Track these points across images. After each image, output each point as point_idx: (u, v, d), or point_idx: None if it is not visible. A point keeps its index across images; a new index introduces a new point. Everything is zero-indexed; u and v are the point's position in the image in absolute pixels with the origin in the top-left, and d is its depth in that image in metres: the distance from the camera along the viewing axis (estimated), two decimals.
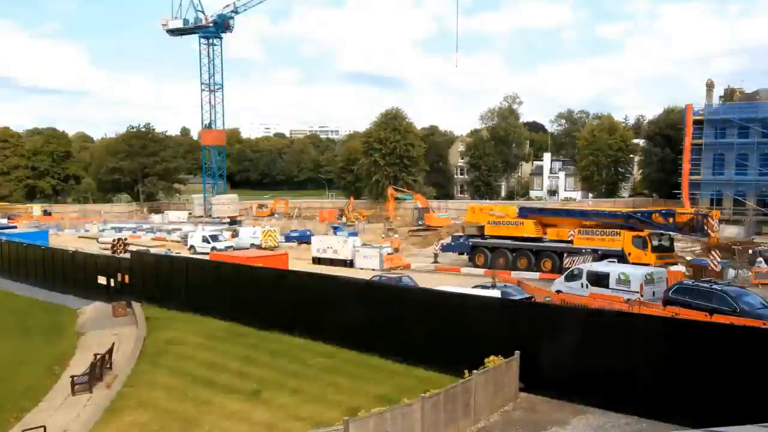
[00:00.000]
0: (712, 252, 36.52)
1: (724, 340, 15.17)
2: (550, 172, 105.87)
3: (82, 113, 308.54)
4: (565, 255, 39.35)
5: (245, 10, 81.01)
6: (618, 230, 37.70)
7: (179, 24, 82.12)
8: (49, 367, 23.06)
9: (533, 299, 26.56)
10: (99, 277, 33.98)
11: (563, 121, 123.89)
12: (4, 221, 75.58)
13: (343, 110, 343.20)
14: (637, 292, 26.50)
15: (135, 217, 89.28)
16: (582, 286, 29.14)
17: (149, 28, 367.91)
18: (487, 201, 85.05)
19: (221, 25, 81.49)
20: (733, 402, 14.34)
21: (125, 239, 55.96)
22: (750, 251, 41.25)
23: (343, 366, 20.94)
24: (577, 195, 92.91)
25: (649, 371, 15.93)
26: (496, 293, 23.76)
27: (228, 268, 30.15)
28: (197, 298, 28.93)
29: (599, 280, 28.79)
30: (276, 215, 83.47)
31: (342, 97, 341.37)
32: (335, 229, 67.79)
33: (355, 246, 48.13)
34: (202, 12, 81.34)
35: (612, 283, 28.13)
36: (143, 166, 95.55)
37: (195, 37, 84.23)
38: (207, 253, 47.89)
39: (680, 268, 36.39)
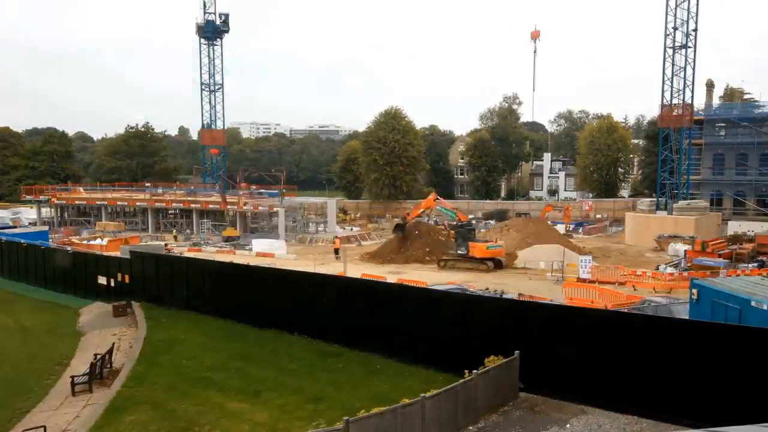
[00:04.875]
0: None
1: (724, 342, 15.19)
2: (550, 172, 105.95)
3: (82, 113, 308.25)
4: None
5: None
6: None
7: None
8: (49, 367, 23.04)
9: None
10: (99, 277, 33.95)
11: (563, 121, 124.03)
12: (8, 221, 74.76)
13: (343, 110, 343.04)
14: None
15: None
16: None
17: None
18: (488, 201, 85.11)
19: (220, 25, 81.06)
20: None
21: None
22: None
23: (344, 365, 20.95)
24: (577, 195, 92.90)
25: (648, 370, 15.94)
26: None
27: (228, 267, 30.13)
28: (197, 298, 28.92)
29: None
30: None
31: (342, 97, 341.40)
32: None
33: None
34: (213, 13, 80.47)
35: None
36: (143, 166, 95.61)
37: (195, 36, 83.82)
38: None
39: None
